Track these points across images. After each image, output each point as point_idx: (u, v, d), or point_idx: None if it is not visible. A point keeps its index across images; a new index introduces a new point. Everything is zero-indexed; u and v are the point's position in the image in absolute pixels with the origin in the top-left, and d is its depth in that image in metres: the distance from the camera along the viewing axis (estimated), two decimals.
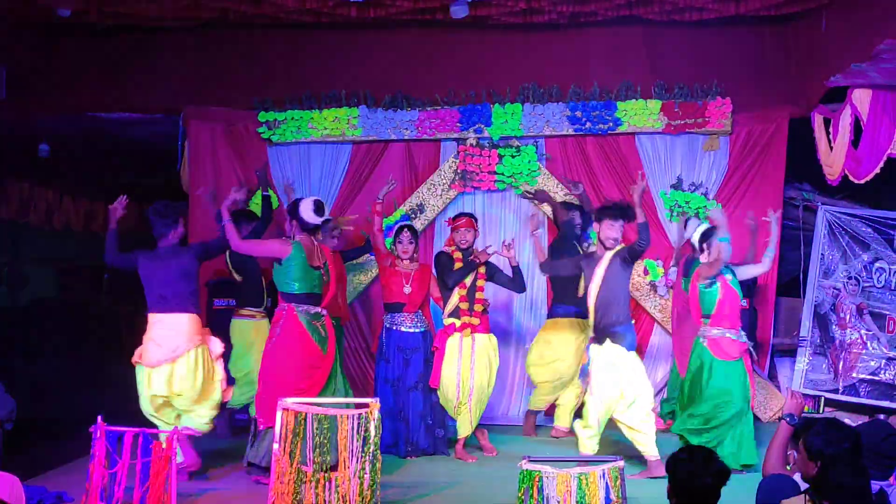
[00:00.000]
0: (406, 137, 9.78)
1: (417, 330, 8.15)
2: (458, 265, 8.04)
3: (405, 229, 8.25)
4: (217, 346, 7.38)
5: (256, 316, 8.70)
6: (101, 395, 10.92)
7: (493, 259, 8.16)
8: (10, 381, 8.78)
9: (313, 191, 9.75)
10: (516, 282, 8.16)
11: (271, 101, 9.80)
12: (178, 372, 7.08)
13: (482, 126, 9.64)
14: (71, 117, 9.97)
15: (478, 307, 8.04)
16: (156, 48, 9.70)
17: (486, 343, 8.08)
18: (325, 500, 5.90)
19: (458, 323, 8.00)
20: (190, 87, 9.84)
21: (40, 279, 14.98)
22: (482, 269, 8.10)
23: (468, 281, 8.04)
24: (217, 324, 8.33)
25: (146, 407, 7.18)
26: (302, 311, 7.02)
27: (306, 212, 7.14)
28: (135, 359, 7.17)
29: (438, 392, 8.04)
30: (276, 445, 5.97)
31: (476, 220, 8.30)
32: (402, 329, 8.12)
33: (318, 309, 7.12)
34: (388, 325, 8.16)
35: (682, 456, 4.13)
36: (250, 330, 8.65)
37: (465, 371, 7.95)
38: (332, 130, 9.76)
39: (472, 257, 8.02)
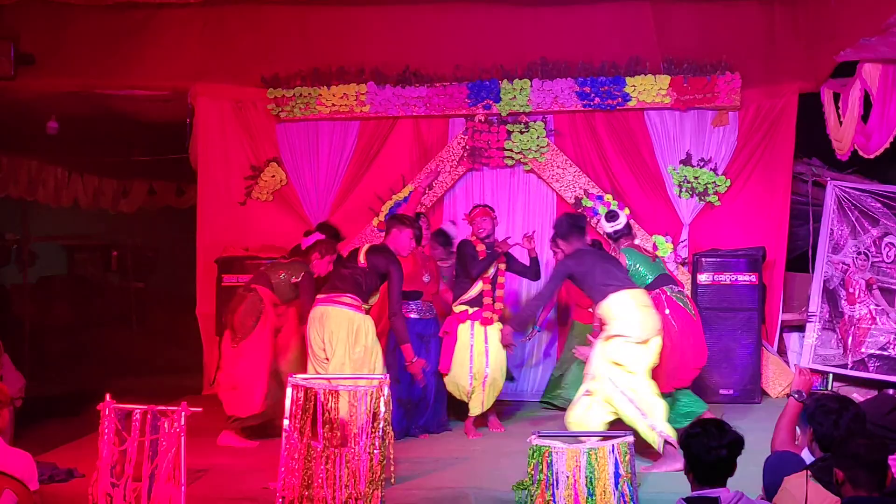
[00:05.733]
0: (414, 114, 9.75)
1: (432, 316, 8.22)
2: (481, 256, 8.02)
3: (422, 217, 8.35)
4: None
5: None
6: (111, 371, 11.01)
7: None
8: (21, 358, 8.82)
9: (321, 168, 9.77)
10: (532, 270, 8.24)
11: (280, 78, 9.79)
12: None
13: (491, 102, 9.60)
14: (79, 94, 9.95)
15: (498, 305, 8.04)
16: (164, 25, 9.65)
17: (497, 333, 8.03)
18: (335, 476, 5.92)
19: (471, 310, 7.96)
20: (198, 64, 9.78)
21: (49, 256, 15.04)
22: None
23: (490, 272, 8.05)
24: (226, 301, 8.31)
25: None
26: None
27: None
28: None
29: (446, 378, 8.02)
30: (286, 422, 6.00)
31: (492, 209, 8.26)
32: (419, 316, 8.13)
33: None
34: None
35: (695, 430, 4.13)
36: None
37: (479, 360, 7.89)
38: (341, 107, 9.73)
39: (495, 247, 7.99)
